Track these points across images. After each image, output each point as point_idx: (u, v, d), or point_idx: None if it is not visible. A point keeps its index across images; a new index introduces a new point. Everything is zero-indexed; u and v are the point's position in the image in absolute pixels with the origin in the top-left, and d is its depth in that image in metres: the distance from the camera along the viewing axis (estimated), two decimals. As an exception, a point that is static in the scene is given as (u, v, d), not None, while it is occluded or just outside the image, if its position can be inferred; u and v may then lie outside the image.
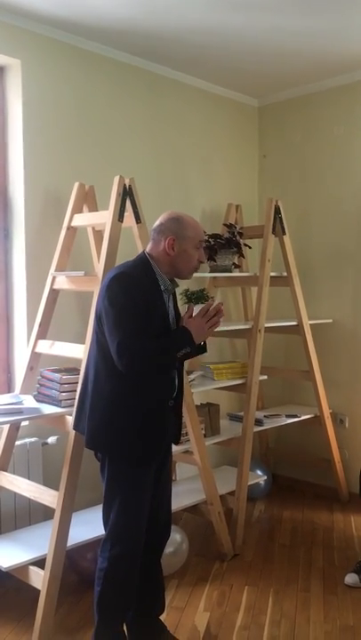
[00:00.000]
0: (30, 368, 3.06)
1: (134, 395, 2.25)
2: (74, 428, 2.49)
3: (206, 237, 3.76)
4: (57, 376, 2.83)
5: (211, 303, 2.37)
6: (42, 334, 3.06)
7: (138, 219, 2.91)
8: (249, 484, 3.61)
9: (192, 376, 3.49)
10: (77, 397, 2.51)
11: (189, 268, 2.37)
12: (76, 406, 2.50)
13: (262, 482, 4.11)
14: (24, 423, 3.05)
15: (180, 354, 2.25)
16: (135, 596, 2.39)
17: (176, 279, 2.40)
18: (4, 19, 3.07)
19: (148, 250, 2.38)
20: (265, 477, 4.07)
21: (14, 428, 2.95)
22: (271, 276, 3.76)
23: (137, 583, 2.37)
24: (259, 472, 4.10)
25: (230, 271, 3.84)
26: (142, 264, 2.32)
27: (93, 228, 3.25)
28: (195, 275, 3.69)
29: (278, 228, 3.81)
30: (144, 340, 2.18)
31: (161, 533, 2.50)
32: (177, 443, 2.49)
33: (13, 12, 3.08)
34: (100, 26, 3.25)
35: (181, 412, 2.49)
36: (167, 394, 2.34)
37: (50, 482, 3.03)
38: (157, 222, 2.36)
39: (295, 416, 4.01)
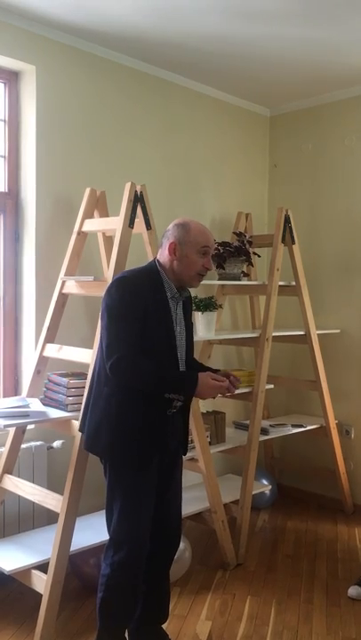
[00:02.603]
0: (38, 372, 3.07)
1: (132, 398, 2.24)
2: (80, 430, 2.49)
3: (215, 245, 3.77)
4: (64, 380, 2.83)
5: (234, 379, 2.33)
6: (50, 338, 3.07)
7: (148, 225, 2.92)
8: (253, 493, 3.60)
9: (199, 383, 3.48)
10: (85, 400, 2.53)
11: (190, 274, 2.32)
12: (82, 409, 2.51)
13: (268, 491, 4.09)
14: (30, 426, 3.05)
15: (170, 394, 2.20)
16: (138, 602, 2.38)
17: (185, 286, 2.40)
18: (19, 24, 3.10)
19: (157, 256, 2.40)
20: (269, 487, 4.05)
21: (20, 432, 2.96)
22: (280, 285, 3.77)
23: (141, 590, 2.37)
24: (264, 482, 4.08)
25: (239, 279, 3.85)
26: (149, 270, 2.34)
27: (104, 234, 3.26)
28: (204, 282, 3.73)
29: (288, 237, 3.82)
30: (140, 353, 2.17)
31: (171, 541, 2.49)
32: (184, 453, 2.48)
33: (29, 18, 3.11)
34: (114, 33, 3.28)
35: (188, 420, 2.48)
36: (167, 402, 2.27)
37: (54, 486, 3.03)
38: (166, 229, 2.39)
39: (301, 426, 4.00)
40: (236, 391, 3.55)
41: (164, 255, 2.34)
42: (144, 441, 2.25)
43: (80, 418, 2.50)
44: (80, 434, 2.60)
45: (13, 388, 3.31)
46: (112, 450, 2.27)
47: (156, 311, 2.25)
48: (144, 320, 2.20)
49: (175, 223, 2.35)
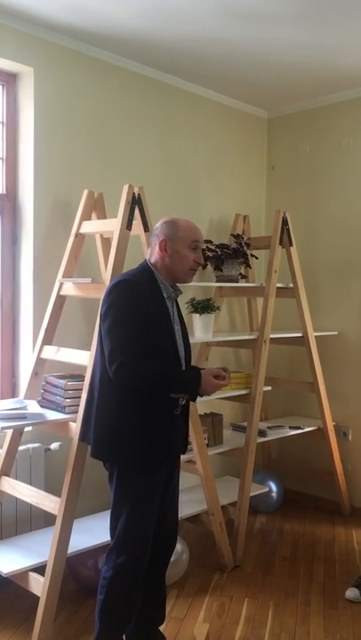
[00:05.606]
0: (35, 373, 3.07)
1: (140, 402, 2.24)
2: (81, 440, 2.46)
3: (213, 247, 3.78)
4: (62, 382, 2.83)
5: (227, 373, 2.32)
6: (47, 340, 3.07)
7: (146, 227, 2.93)
8: (252, 495, 3.60)
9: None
10: (84, 407, 2.48)
11: (184, 270, 2.35)
12: (82, 417, 2.47)
13: (274, 495, 4.11)
14: (27, 428, 3.05)
15: (175, 393, 2.22)
16: (138, 605, 2.38)
17: (179, 286, 2.41)
18: (17, 26, 3.11)
19: (147, 257, 2.40)
20: (267, 489, 4.04)
21: (18, 434, 2.95)
22: (277, 287, 3.77)
23: (141, 593, 2.36)
24: (272, 485, 4.09)
25: (237, 281, 3.85)
26: (145, 271, 2.34)
27: (101, 236, 3.26)
28: (201, 284, 3.78)
29: (285, 239, 3.82)
30: (143, 355, 2.16)
31: (168, 543, 2.49)
32: (184, 452, 2.48)
33: (27, 20, 3.11)
34: (113, 35, 3.28)
35: (188, 420, 2.48)
36: (173, 402, 2.31)
37: (52, 488, 3.03)
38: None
39: (299, 428, 4.00)
40: (234, 393, 3.60)
41: (154, 254, 2.35)
42: (157, 444, 2.26)
43: (80, 427, 2.47)
44: (77, 434, 2.59)
45: (11, 390, 3.31)
46: (124, 455, 2.25)
47: (157, 312, 2.26)
48: (146, 322, 2.20)
49: (163, 221, 2.37)
